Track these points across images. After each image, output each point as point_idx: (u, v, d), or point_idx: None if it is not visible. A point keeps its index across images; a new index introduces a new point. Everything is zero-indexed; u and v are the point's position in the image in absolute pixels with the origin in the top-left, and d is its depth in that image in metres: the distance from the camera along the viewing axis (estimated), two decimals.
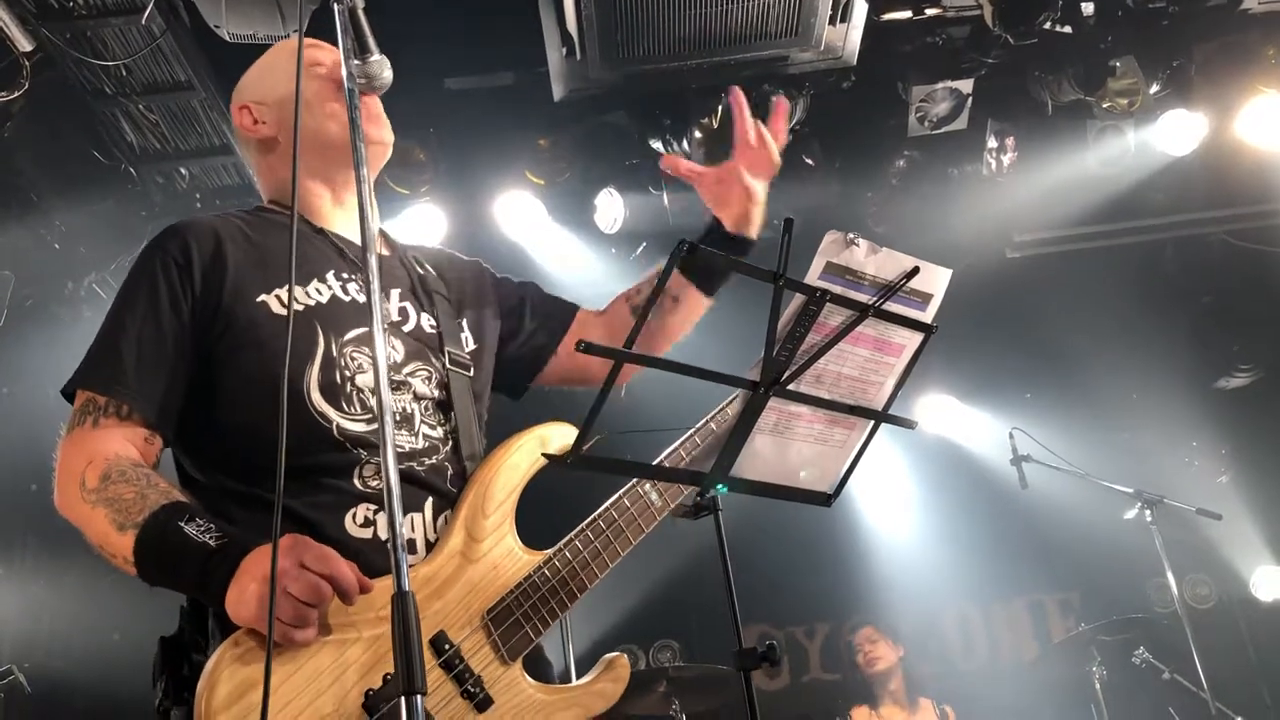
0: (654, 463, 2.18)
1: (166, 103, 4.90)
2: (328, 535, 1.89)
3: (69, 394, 2.02)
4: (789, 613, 7.81)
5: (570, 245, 5.92)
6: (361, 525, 1.96)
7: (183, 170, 5.37)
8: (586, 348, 1.66)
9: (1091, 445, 6.51)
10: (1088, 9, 5.23)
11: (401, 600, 1.45)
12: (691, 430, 2.26)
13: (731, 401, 2.25)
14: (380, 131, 2.30)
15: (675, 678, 5.28)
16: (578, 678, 2.23)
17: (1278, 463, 7.47)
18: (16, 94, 4.47)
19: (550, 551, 2.10)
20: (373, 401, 2.02)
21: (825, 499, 2.02)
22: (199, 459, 2.05)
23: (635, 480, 2.21)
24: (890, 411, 1.99)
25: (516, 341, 2.51)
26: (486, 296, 2.49)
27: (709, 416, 2.29)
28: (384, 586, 1.83)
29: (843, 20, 4.80)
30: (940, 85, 5.41)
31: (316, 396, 1.99)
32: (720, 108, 5.35)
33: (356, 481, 1.98)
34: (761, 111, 5.17)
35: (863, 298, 1.82)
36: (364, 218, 1.71)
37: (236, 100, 2.36)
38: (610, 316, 2.57)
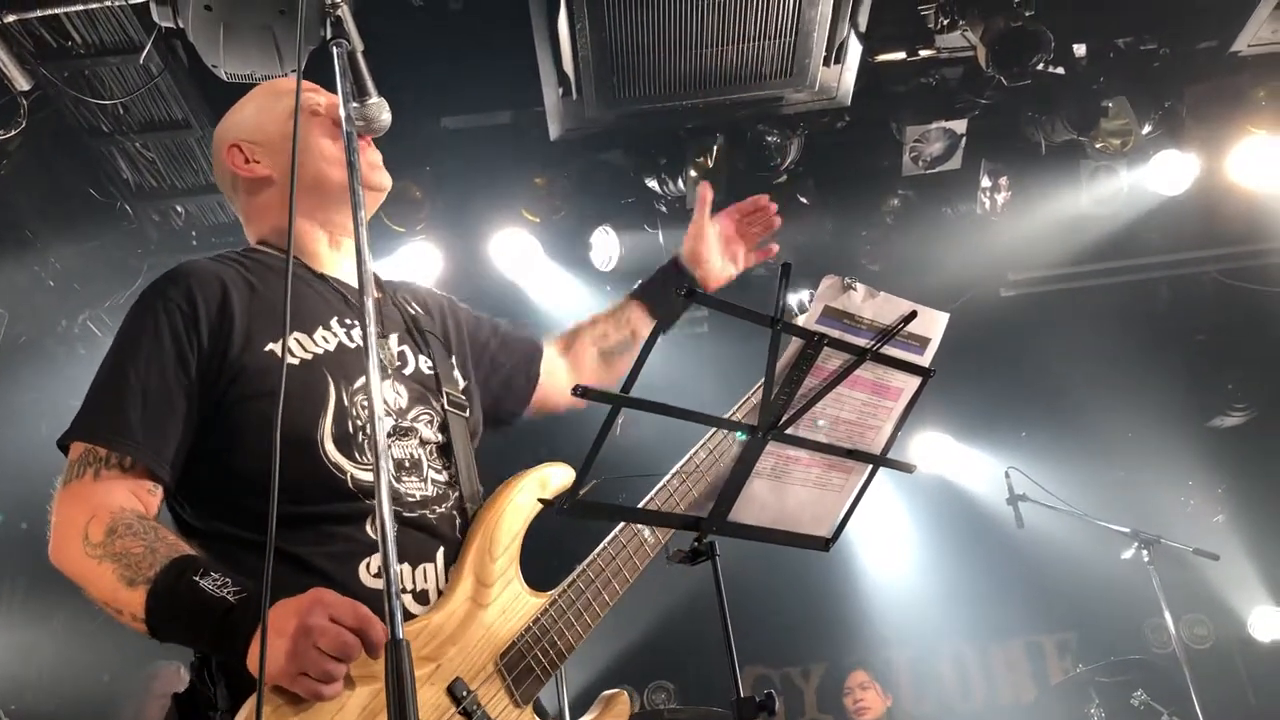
0: (643, 502, 2.18)
1: (163, 141, 4.93)
2: (341, 585, 1.85)
3: (63, 445, 1.96)
4: (785, 653, 7.76)
5: (565, 283, 5.93)
6: (375, 575, 1.92)
7: (179, 208, 5.39)
8: (584, 392, 1.65)
9: (1087, 484, 6.50)
10: (1080, 50, 5.29)
11: (395, 650, 1.44)
12: (674, 469, 2.25)
13: (711, 436, 2.28)
14: (380, 178, 2.31)
15: None
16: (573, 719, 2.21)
17: (1273, 502, 7.45)
18: (14, 132, 4.48)
19: (554, 593, 2.09)
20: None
21: (824, 543, 2.00)
22: (202, 508, 2.00)
23: None
24: (888, 455, 1.98)
25: (497, 379, 2.52)
26: (463, 333, 2.49)
27: (689, 454, 2.28)
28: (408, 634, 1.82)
29: (837, 61, 4.84)
30: (934, 125, 5.45)
31: (331, 448, 1.96)
32: (715, 147, 5.39)
33: (369, 530, 1.95)
34: (754, 153, 5.22)
35: (860, 342, 1.81)
36: (361, 262, 1.70)
37: (225, 139, 2.31)
38: (576, 358, 2.66)
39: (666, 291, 2.67)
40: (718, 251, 2.73)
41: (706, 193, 2.70)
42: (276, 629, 1.67)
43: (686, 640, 7.02)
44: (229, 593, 1.73)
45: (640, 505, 2.18)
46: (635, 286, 2.76)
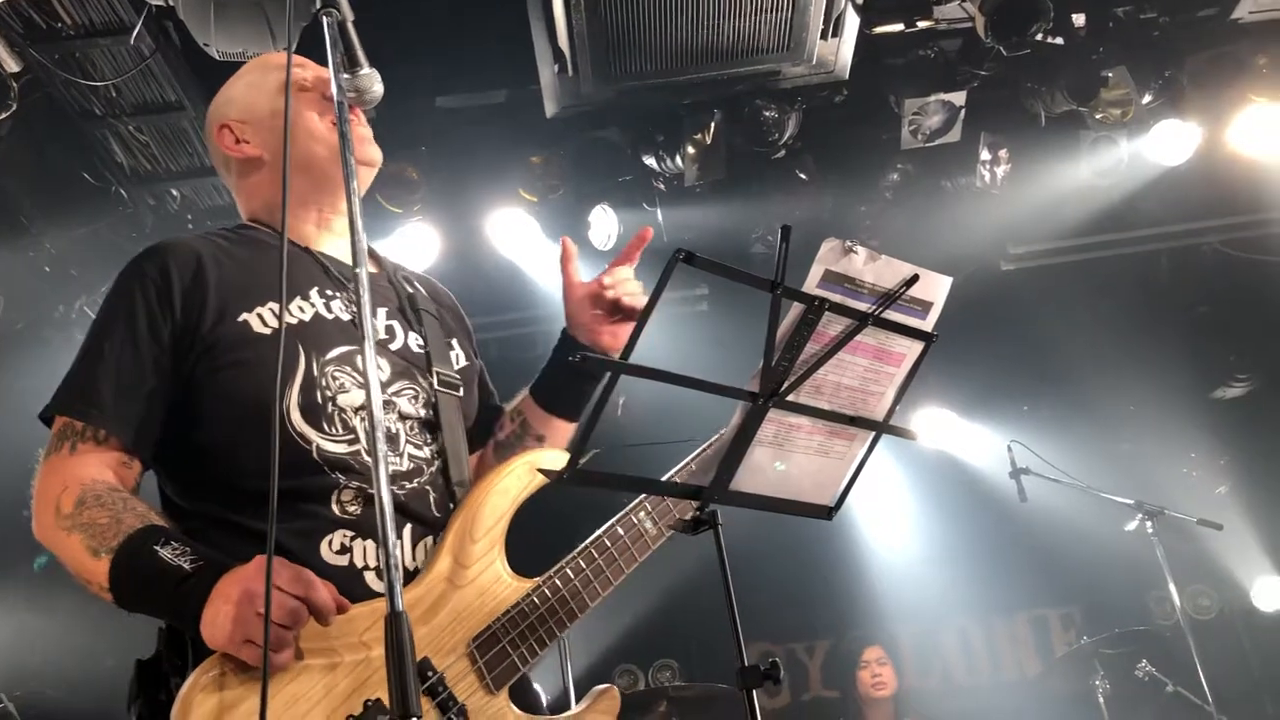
0: (665, 477, 2.14)
1: (156, 123, 4.88)
2: (303, 562, 1.84)
3: (47, 419, 1.99)
4: (789, 629, 7.76)
5: None
6: (338, 552, 1.91)
7: (174, 191, 5.36)
8: (583, 359, 1.63)
9: (1090, 457, 6.49)
10: (1079, 20, 5.24)
11: (395, 621, 1.42)
12: (699, 449, 2.23)
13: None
14: (369, 152, 2.27)
15: (675, 697, 5.24)
16: (576, 700, 2.19)
17: (1276, 472, 7.44)
18: (4, 115, 4.44)
19: (540, 579, 2.06)
20: (354, 421, 1.98)
21: (826, 512, 1.99)
22: (180, 483, 2.01)
23: (630, 507, 2.18)
24: (890, 422, 1.96)
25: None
26: (468, 335, 2.44)
27: (718, 435, 2.25)
28: (364, 611, 1.81)
29: (834, 34, 4.80)
30: (933, 98, 5.40)
31: (297, 417, 1.95)
32: (713, 123, 5.35)
33: (334, 507, 1.93)
34: (752, 129, 5.18)
35: (862, 306, 1.79)
36: (354, 230, 1.67)
37: (216, 119, 2.30)
38: (485, 451, 2.43)
39: (558, 373, 2.33)
40: (585, 315, 2.31)
41: (569, 247, 2.35)
42: (225, 596, 1.68)
43: (691, 618, 7.02)
44: (186, 561, 1.74)
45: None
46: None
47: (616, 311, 2.27)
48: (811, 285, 1.74)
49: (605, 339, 2.28)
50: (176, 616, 1.75)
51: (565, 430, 2.35)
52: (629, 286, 2.28)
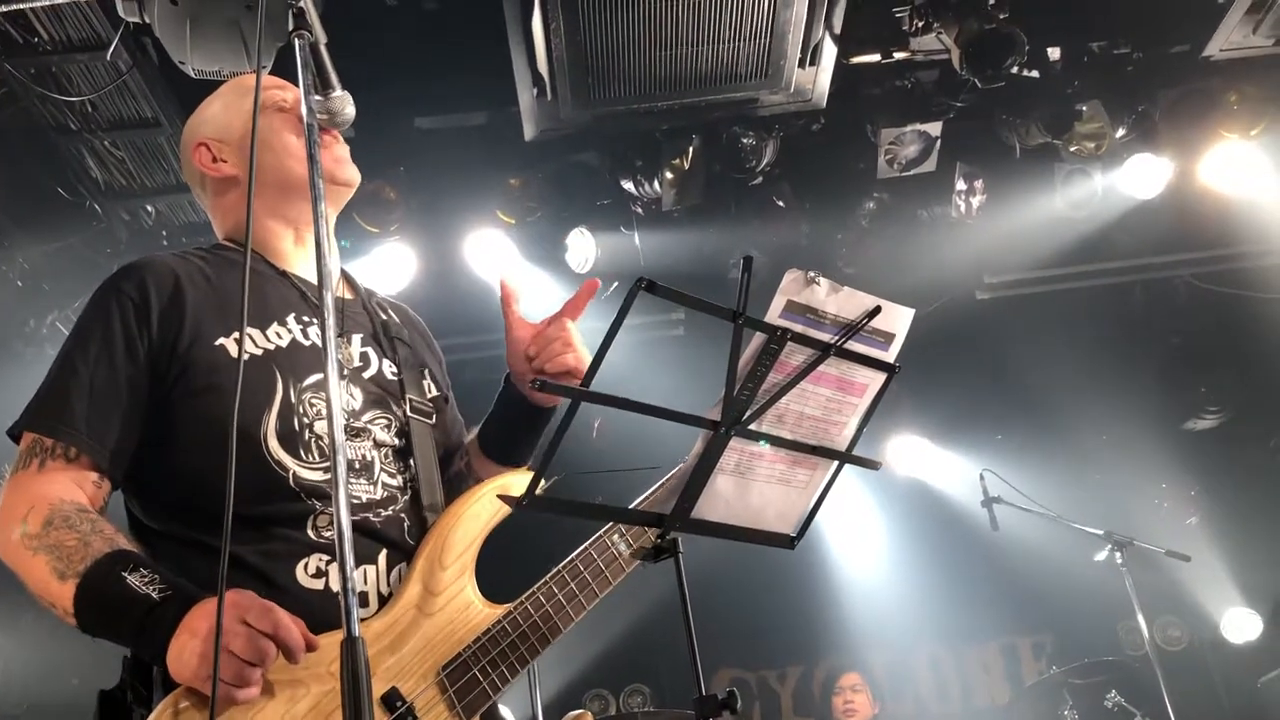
0: (634, 504, 2.12)
1: (132, 139, 4.87)
2: (278, 585, 1.85)
3: (15, 435, 1.96)
4: (761, 656, 7.75)
5: (542, 284, 5.90)
6: (313, 576, 1.90)
7: (149, 207, 5.33)
8: (543, 385, 1.63)
9: (1062, 487, 6.52)
10: (1054, 54, 5.31)
11: (351, 647, 1.41)
12: (667, 476, 2.23)
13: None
14: (347, 173, 2.27)
15: None
16: None
17: (1246, 504, 7.50)
18: None
19: (512, 605, 2.04)
20: None
21: (788, 541, 1.99)
22: (150, 505, 1.99)
23: (604, 530, 2.16)
24: (854, 452, 1.97)
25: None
26: (440, 364, 2.43)
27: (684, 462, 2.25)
28: (332, 642, 1.78)
29: (812, 63, 4.84)
30: (909, 128, 5.46)
31: (274, 444, 1.94)
32: (690, 149, 5.39)
33: (310, 532, 1.93)
34: (729, 155, 5.21)
35: (824, 337, 1.80)
36: (320, 254, 1.67)
37: (192, 138, 2.30)
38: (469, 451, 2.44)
39: (501, 422, 2.36)
40: (522, 365, 2.28)
41: (509, 289, 2.33)
42: (191, 629, 1.67)
43: (662, 643, 7.00)
44: (154, 589, 1.72)
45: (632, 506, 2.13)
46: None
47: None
48: (774, 316, 1.74)
49: (539, 396, 2.27)
50: (142, 646, 1.73)
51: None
52: (554, 349, 2.21)
